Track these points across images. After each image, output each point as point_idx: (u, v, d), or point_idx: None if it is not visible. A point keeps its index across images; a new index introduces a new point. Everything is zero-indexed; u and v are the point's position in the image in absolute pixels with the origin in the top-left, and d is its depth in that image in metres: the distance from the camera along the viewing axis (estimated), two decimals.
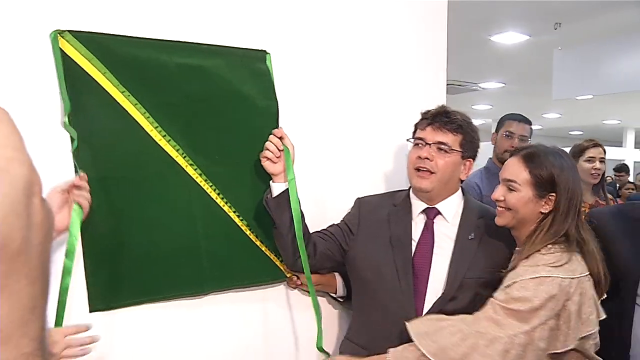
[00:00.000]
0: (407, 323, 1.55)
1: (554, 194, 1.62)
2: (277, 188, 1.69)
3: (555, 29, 5.70)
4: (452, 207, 1.78)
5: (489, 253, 1.71)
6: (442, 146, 1.71)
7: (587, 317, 1.60)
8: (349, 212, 1.89)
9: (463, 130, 1.74)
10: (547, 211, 1.63)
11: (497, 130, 3.12)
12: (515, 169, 1.66)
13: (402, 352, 1.54)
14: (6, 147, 0.38)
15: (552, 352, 1.55)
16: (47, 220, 0.40)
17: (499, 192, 1.67)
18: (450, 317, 1.59)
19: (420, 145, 1.75)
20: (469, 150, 1.77)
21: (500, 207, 1.67)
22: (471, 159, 1.79)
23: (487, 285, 1.65)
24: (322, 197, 1.94)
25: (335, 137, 1.97)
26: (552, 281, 1.53)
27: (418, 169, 1.73)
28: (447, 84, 2.29)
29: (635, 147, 14.70)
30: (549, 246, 1.59)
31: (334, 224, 1.87)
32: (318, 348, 1.79)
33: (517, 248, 1.69)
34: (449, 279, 1.68)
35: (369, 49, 2.03)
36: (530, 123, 3.12)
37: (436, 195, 1.76)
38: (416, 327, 1.55)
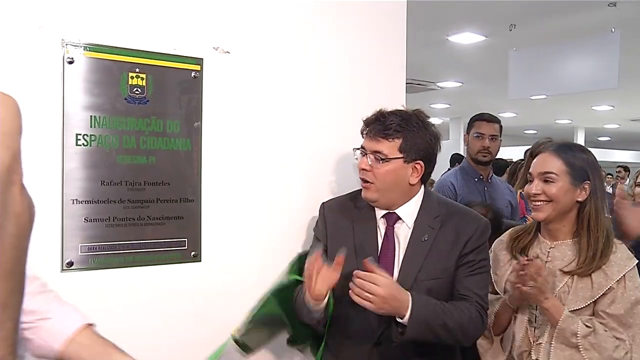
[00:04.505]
0: None
1: (588, 182, 1.68)
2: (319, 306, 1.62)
3: (510, 30, 5.84)
4: (412, 211, 1.71)
5: (442, 254, 1.65)
6: (379, 155, 1.64)
7: None
8: (316, 224, 1.82)
9: (401, 134, 1.63)
10: (583, 199, 1.68)
11: (467, 132, 3.14)
12: (550, 161, 1.69)
13: None
14: None
15: None
16: (27, 213, 0.36)
17: (535, 187, 1.69)
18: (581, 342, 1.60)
19: (362, 154, 1.70)
20: (413, 153, 1.64)
21: (539, 200, 1.68)
22: (420, 161, 1.66)
23: (441, 286, 1.62)
24: (278, 200, 1.93)
25: (294, 137, 1.96)
26: None
27: (363, 180, 1.69)
28: (406, 83, 2.31)
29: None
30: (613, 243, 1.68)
31: (313, 245, 1.79)
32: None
33: (555, 242, 1.73)
34: (398, 282, 1.58)
35: (329, 49, 2.03)
36: (498, 121, 3.11)
37: (389, 202, 1.69)
38: None
